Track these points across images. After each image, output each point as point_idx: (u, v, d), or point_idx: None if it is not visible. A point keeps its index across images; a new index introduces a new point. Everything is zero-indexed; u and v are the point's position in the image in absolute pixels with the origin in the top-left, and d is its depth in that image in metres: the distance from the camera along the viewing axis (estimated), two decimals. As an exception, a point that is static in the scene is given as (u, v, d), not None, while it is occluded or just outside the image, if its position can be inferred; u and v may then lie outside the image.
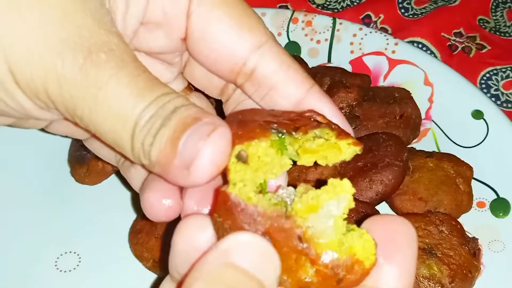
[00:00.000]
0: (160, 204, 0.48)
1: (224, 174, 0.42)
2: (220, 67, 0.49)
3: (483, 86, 1.01)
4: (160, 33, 0.50)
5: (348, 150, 0.45)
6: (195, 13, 0.48)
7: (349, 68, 0.98)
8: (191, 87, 0.57)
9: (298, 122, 0.45)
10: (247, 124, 0.44)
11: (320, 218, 0.39)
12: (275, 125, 0.43)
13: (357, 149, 0.46)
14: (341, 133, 0.45)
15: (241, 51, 0.48)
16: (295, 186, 0.43)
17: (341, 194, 0.40)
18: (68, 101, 0.40)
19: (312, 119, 0.46)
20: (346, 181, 0.40)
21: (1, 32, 0.39)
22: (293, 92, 0.49)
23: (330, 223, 0.39)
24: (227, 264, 0.38)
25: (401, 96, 0.90)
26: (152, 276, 0.77)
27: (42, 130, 0.55)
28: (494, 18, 1.13)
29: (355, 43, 1.00)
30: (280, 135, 0.43)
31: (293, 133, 0.43)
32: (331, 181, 0.40)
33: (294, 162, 0.46)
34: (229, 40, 0.48)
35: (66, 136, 0.58)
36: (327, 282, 0.39)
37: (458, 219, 0.77)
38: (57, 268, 0.78)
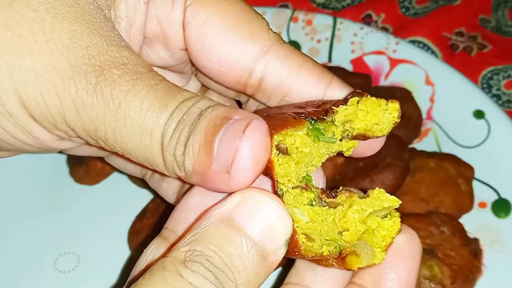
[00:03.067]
0: None
1: (265, 172, 0.40)
2: (225, 79, 0.47)
3: (485, 86, 1.01)
4: (159, 46, 0.48)
5: (389, 105, 0.43)
6: (190, 24, 0.45)
7: (349, 67, 0.98)
8: (206, 87, 0.55)
9: (324, 105, 0.43)
10: (276, 117, 0.42)
11: (365, 247, 0.41)
12: (303, 115, 0.41)
13: (396, 106, 0.43)
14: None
15: (244, 62, 0.45)
16: (335, 188, 0.42)
17: (386, 207, 0.42)
18: (89, 125, 0.39)
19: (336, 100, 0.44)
20: (392, 197, 0.42)
21: (9, 66, 0.38)
22: (309, 94, 0.46)
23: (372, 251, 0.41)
24: (224, 220, 0.36)
25: (402, 96, 0.90)
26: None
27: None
28: (496, 17, 1.12)
29: (356, 43, 0.99)
30: (312, 122, 0.41)
31: (324, 117, 0.41)
32: (375, 194, 0.42)
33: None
34: (229, 51, 0.45)
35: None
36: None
37: (459, 220, 0.77)
38: (56, 269, 0.77)
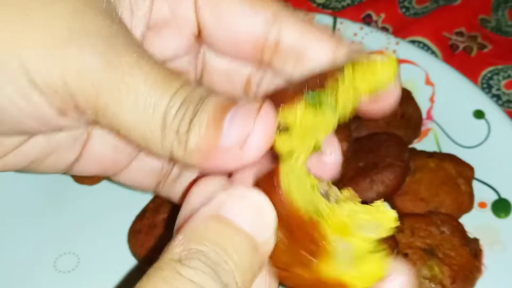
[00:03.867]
0: None
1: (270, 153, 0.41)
2: (243, 48, 0.48)
3: (485, 86, 1.01)
4: (170, 32, 0.48)
5: (387, 60, 0.42)
6: (202, 2, 0.46)
7: (349, 67, 0.97)
8: None
9: (323, 76, 0.42)
10: (275, 96, 0.43)
11: (346, 245, 0.39)
12: (304, 90, 0.41)
13: (393, 59, 0.42)
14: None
15: (259, 27, 0.47)
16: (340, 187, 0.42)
17: (381, 222, 0.39)
18: (90, 91, 0.38)
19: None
20: (391, 212, 0.39)
21: (13, 27, 0.37)
22: (322, 54, 0.47)
23: (351, 255, 0.39)
24: (213, 217, 0.37)
25: (402, 96, 0.89)
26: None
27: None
28: (496, 17, 1.12)
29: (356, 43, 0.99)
30: (310, 93, 0.41)
31: (323, 87, 0.41)
32: (376, 204, 0.40)
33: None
34: (244, 20, 0.46)
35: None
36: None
37: (459, 220, 0.77)
38: (56, 269, 0.77)
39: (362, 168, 0.79)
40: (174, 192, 0.55)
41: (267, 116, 0.39)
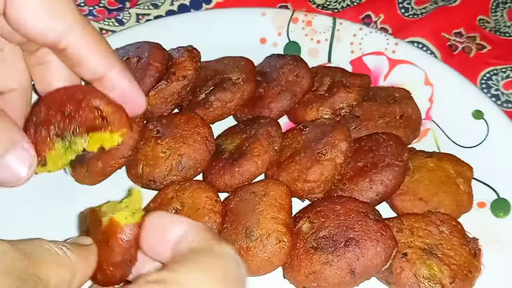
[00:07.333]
0: None
1: None
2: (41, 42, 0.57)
3: (484, 86, 1.01)
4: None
5: (115, 137, 0.58)
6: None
7: (349, 68, 0.98)
8: None
9: (75, 118, 0.57)
10: (36, 132, 0.58)
11: None
12: (53, 130, 0.56)
13: (120, 132, 0.58)
14: (117, 122, 0.57)
15: (53, 33, 0.55)
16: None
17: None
18: None
19: (92, 114, 0.57)
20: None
21: None
22: (96, 67, 0.57)
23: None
24: None
25: (401, 96, 0.90)
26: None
27: None
28: (494, 18, 1.12)
29: (355, 43, 1.00)
30: (61, 140, 0.57)
31: (72, 136, 0.56)
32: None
33: None
34: (40, 24, 0.54)
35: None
36: None
37: (459, 219, 0.77)
38: (57, 269, 0.77)
39: (362, 168, 0.79)
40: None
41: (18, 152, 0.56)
